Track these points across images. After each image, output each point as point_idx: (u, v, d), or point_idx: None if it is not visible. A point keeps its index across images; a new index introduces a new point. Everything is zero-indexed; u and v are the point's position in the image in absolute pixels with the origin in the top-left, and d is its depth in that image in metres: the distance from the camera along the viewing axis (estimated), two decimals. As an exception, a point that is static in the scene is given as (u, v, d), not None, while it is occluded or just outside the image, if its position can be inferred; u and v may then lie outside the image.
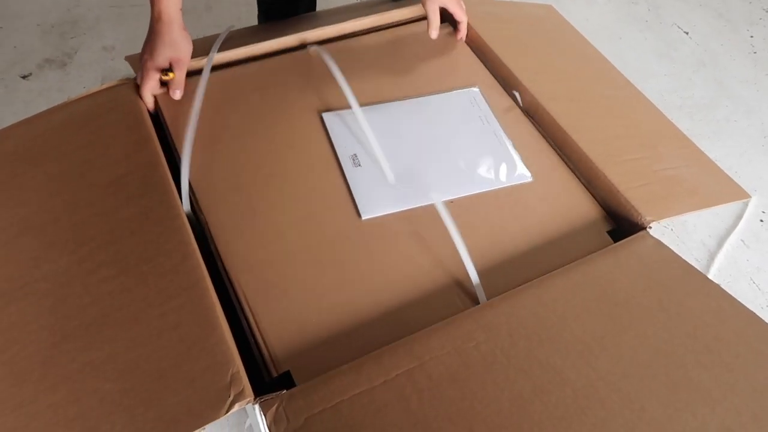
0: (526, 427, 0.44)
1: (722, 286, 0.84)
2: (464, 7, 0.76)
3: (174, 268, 0.53)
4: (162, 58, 0.64)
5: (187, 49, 0.66)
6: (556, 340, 0.49)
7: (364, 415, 0.45)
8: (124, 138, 0.62)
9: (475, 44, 0.78)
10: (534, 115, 0.71)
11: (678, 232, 0.92)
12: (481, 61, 0.77)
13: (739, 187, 0.70)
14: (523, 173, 0.64)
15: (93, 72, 0.99)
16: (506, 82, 0.74)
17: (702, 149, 1.03)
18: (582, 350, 0.49)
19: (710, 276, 0.86)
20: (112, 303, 0.51)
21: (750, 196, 0.70)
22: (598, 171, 0.64)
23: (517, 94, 0.72)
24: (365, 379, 0.47)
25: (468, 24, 0.77)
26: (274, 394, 0.46)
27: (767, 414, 0.45)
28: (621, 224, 0.62)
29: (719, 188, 0.69)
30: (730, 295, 0.53)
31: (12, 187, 0.59)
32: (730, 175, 0.96)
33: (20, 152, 0.62)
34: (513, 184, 0.63)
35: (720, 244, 0.90)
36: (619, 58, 1.21)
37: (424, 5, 0.74)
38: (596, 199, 0.64)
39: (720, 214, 0.95)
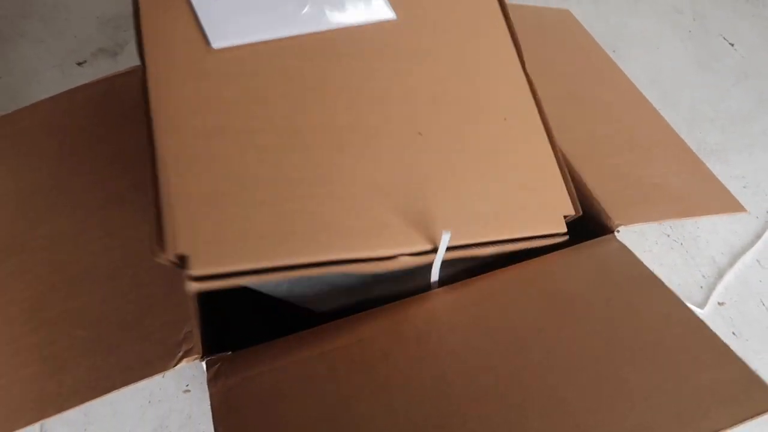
0: (443, 405, 0.46)
1: (728, 305, 0.82)
2: None
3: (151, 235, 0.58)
4: None
5: None
6: (493, 330, 0.51)
7: (294, 381, 0.48)
8: (133, 117, 0.68)
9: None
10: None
11: (688, 247, 0.89)
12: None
13: (735, 200, 0.68)
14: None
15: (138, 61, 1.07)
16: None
17: (732, 162, 1.00)
18: (516, 341, 0.50)
19: (716, 293, 0.83)
20: (94, 261, 0.57)
21: (746, 211, 0.67)
22: (575, 172, 0.64)
23: None
24: (304, 350, 0.50)
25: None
26: (221, 354, 0.50)
27: (692, 416, 0.44)
28: (591, 227, 0.62)
29: (710, 199, 0.67)
30: (684, 304, 0.53)
31: (30, 154, 0.66)
32: (757, 192, 0.92)
33: (43, 125, 0.69)
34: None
35: (732, 262, 0.87)
36: (654, 66, 1.18)
37: None
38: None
39: (738, 231, 0.91)
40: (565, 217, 0.57)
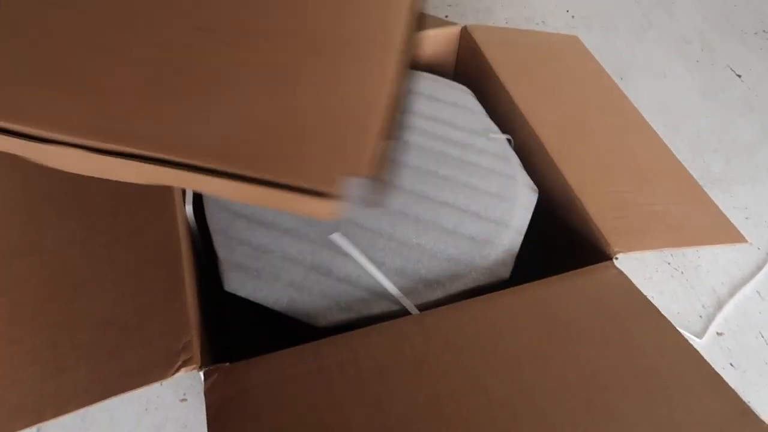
0: (434, 424, 0.46)
1: (726, 336, 0.82)
2: None
3: (158, 241, 0.59)
4: None
5: None
6: (488, 352, 0.51)
7: (290, 394, 0.49)
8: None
9: (482, 70, 0.81)
10: (525, 142, 0.73)
11: (688, 276, 0.89)
12: (484, 87, 0.80)
13: (737, 230, 0.68)
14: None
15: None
16: (505, 107, 0.76)
17: (735, 193, 1.00)
18: (510, 364, 0.50)
19: (715, 323, 0.83)
20: (100, 267, 0.58)
21: (747, 242, 0.68)
22: (575, 199, 0.64)
23: (510, 139, 0.75)
24: (301, 364, 0.51)
25: (478, 48, 0.80)
26: (218, 365, 0.51)
27: (681, 448, 0.45)
28: (590, 254, 0.63)
29: (711, 229, 0.68)
30: (679, 333, 0.53)
31: (42, 160, 0.68)
32: (759, 224, 0.93)
33: (56, 131, 0.71)
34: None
35: (732, 293, 0.87)
36: (661, 95, 1.19)
37: None
38: (571, 229, 0.65)
39: (739, 262, 0.91)
40: (349, 177, 0.41)
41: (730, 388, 0.49)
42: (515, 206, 0.66)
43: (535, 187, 0.70)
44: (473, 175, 0.68)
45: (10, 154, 0.69)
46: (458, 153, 0.71)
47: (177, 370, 0.50)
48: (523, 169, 0.71)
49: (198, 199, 0.66)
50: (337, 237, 0.62)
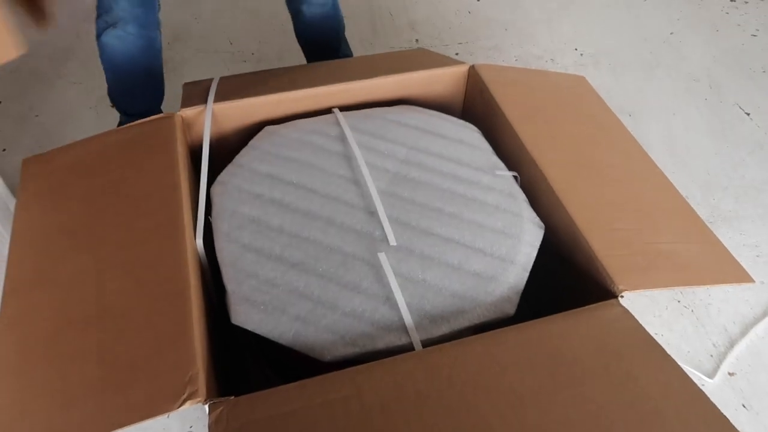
0: (436, 463, 0.46)
1: (738, 376, 0.81)
2: None
3: (168, 275, 0.60)
4: None
5: None
6: (492, 389, 0.51)
7: (294, 428, 0.49)
8: (156, 162, 0.72)
9: (489, 108, 0.83)
10: (531, 180, 0.74)
11: (699, 314, 0.88)
12: (491, 125, 0.82)
13: (743, 270, 0.68)
14: None
15: (168, 106, 1.12)
16: (512, 145, 0.78)
17: (746, 231, 1.00)
18: (514, 402, 0.50)
19: (726, 363, 0.82)
20: (111, 300, 0.59)
21: (754, 281, 0.67)
22: (580, 236, 0.65)
23: (517, 176, 0.76)
24: (305, 398, 0.51)
25: (485, 87, 0.82)
26: (223, 399, 0.51)
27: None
28: (596, 292, 0.63)
29: (717, 268, 0.67)
30: (685, 374, 0.53)
31: (60, 194, 0.70)
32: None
33: (74, 166, 0.73)
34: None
35: (743, 332, 0.86)
36: (670, 132, 1.20)
37: None
38: (577, 266, 0.66)
39: (750, 301, 0.90)
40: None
41: (736, 429, 0.48)
42: (520, 243, 0.67)
43: (542, 224, 0.70)
44: (479, 212, 0.69)
45: (30, 190, 0.71)
46: (464, 190, 0.72)
47: (183, 403, 0.50)
48: (529, 205, 0.72)
49: (208, 232, 0.68)
50: (383, 257, 0.64)
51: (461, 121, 0.83)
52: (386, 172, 0.74)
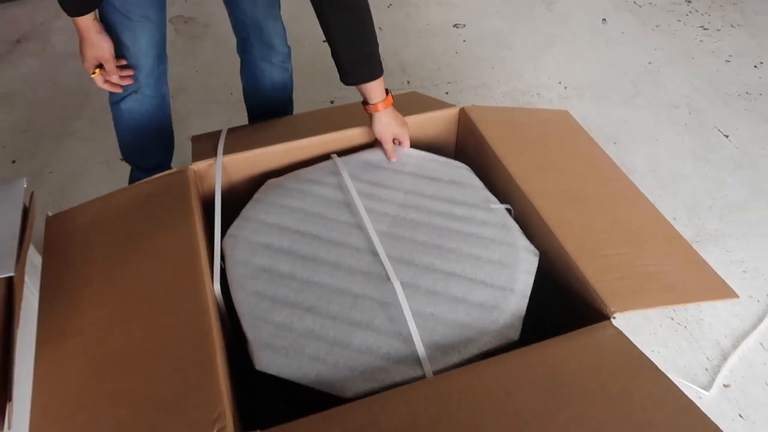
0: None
1: (733, 388, 0.85)
2: (407, 131, 0.89)
3: (190, 320, 0.64)
4: (91, 58, 0.86)
5: (106, 47, 0.86)
6: (498, 412, 0.55)
7: (318, 457, 0.53)
8: (172, 214, 0.77)
9: (480, 147, 0.88)
10: (523, 212, 0.79)
11: (692, 330, 0.92)
12: (483, 162, 0.87)
13: (728, 287, 0.73)
14: None
15: (178, 159, 1.18)
16: (503, 180, 0.83)
17: (731, 248, 1.05)
18: (519, 423, 0.54)
19: (720, 376, 0.86)
20: (138, 346, 0.63)
21: (738, 297, 0.72)
22: (572, 263, 0.70)
23: (510, 208, 0.81)
24: (327, 428, 0.55)
25: (475, 127, 0.88)
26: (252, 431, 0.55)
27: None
28: (590, 314, 0.67)
29: (703, 286, 0.72)
30: (675, 385, 0.57)
31: (84, 249, 0.75)
32: (756, 277, 0.97)
33: (95, 222, 0.78)
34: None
35: (735, 345, 0.90)
36: (654, 157, 1.26)
37: (378, 137, 0.87)
38: (571, 291, 0.70)
39: (740, 315, 0.95)
40: None
41: (724, 436, 0.52)
42: (518, 271, 0.71)
43: (536, 251, 0.75)
44: (476, 246, 0.74)
45: (55, 245, 0.76)
46: (461, 226, 0.77)
47: (212, 439, 0.54)
48: (522, 235, 0.77)
49: (224, 278, 0.72)
50: (398, 286, 0.69)
51: (453, 162, 0.88)
52: (386, 216, 0.79)
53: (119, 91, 0.91)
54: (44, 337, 0.66)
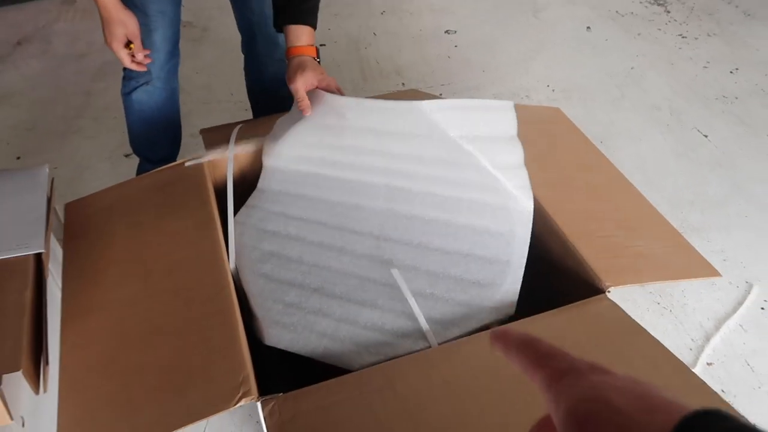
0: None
1: (716, 366, 0.90)
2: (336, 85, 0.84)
3: (211, 296, 0.68)
4: (119, 35, 0.85)
5: (132, 22, 0.85)
6: (501, 375, 0.60)
7: (338, 416, 0.57)
8: (189, 199, 0.80)
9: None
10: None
11: (677, 313, 0.98)
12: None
13: (711, 266, 0.78)
14: None
15: (183, 152, 1.21)
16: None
17: (713, 240, 1.11)
18: (523, 384, 0.59)
19: (704, 355, 0.92)
20: (164, 320, 0.66)
21: (720, 275, 0.77)
22: (570, 245, 0.75)
23: None
24: (345, 392, 0.59)
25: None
26: (273, 395, 0.59)
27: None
28: (586, 290, 0.72)
29: (688, 265, 0.78)
30: (667, 349, 0.62)
31: (105, 232, 0.78)
32: (735, 265, 1.03)
33: (114, 207, 0.82)
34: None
35: (717, 327, 0.96)
36: (638, 156, 1.33)
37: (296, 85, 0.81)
38: (568, 270, 0.75)
39: (721, 299, 1.00)
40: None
41: (714, 391, 0.57)
42: (513, 240, 0.75)
43: (529, 195, 0.78)
44: (470, 214, 0.77)
45: (76, 229, 0.79)
46: (451, 192, 0.79)
47: (239, 401, 0.57)
48: (512, 186, 0.79)
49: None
50: (396, 273, 0.72)
51: (414, 106, 0.78)
52: (379, 189, 0.81)
53: (145, 69, 0.92)
54: (69, 314, 0.69)
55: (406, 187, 0.81)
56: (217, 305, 0.67)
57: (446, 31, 1.77)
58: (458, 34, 1.76)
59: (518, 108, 1.05)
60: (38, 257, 0.69)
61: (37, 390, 0.60)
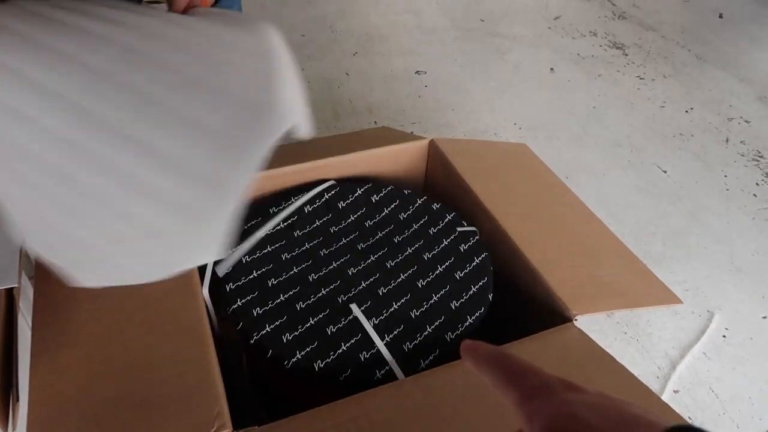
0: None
1: (682, 393, 0.93)
2: None
3: (186, 328, 0.68)
4: None
5: None
6: (478, 403, 0.61)
7: (314, 447, 0.57)
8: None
9: (449, 175, 0.97)
10: (491, 232, 0.87)
11: (643, 342, 1.01)
12: (452, 190, 0.95)
13: (672, 293, 0.82)
14: None
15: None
16: (472, 205, 0.91)
17: (674, 270, 1.15)
18: (499, 411, 0.60)
19: (671, 382, 0.94)
20: (137, 354, 0.66)
21: (681, 302, 0.81)
22: (538, 274, 0.77)
23: (476, 230, 0.88)
24: (320, 422, 0.59)
25: (445, 157, 0.97)
26: (248, 428, 0.59)
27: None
28: (553, 319, 0.74)
29: (650, 293, 0.81)
30: (631, 374, 0.64)
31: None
32: (697, 294, 1.07)
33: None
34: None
35: (682, 355, 0.99)
36: (601, 191, 1.38)
37: None
38: (536, 298, 0.78)
39: (685, 328, 1.04)
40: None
41: (682, 417, 0.59)
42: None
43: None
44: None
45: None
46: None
47: (212, 435, 0.57)
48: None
49: (214, 285, 0.76)
50: (355, 308, 0.73)
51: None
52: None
53: None
54: (39, 349, 0.68)
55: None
56: (193, 339, 0.67)
57: (416, 72, 1.83)
58: (428, 74, 1.82)
59: (488, 144, 1.10)
60: (9, 292, 0.68)
61: (6, 428, 0.59)
